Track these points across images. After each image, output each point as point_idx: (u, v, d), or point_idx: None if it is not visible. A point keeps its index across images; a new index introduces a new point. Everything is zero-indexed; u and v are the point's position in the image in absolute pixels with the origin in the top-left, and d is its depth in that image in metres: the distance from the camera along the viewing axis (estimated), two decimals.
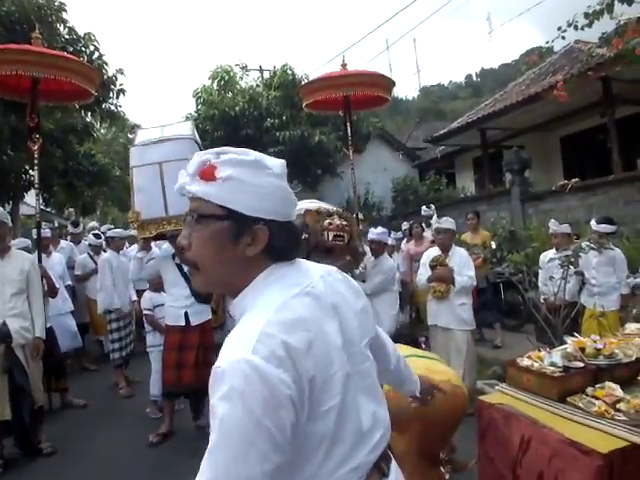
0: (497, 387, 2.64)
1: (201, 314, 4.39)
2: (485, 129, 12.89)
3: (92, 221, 13.22)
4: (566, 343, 2.87)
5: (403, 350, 2.86)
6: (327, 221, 4.89)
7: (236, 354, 0.93)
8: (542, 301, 4.70)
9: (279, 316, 0.98)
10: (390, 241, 6.99)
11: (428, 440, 2.53)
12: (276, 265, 1.09)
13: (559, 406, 2.27)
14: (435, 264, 4.53)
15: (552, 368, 2.45)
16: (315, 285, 1.10)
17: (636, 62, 5.05)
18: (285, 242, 1.09)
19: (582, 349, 2.64)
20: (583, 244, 3.76)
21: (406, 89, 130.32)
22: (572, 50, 11.69)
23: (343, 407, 1.03)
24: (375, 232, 5.41)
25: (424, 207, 8.06)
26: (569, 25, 4.85)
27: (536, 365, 2.52)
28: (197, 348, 4.24)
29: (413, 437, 2.46)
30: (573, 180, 8.21)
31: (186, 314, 4.28)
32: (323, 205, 5.20)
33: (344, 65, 5.92)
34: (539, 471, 2.06)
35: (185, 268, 4.21)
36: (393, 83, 6.09)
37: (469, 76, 70.22)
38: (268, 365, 0.90)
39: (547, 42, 5.79)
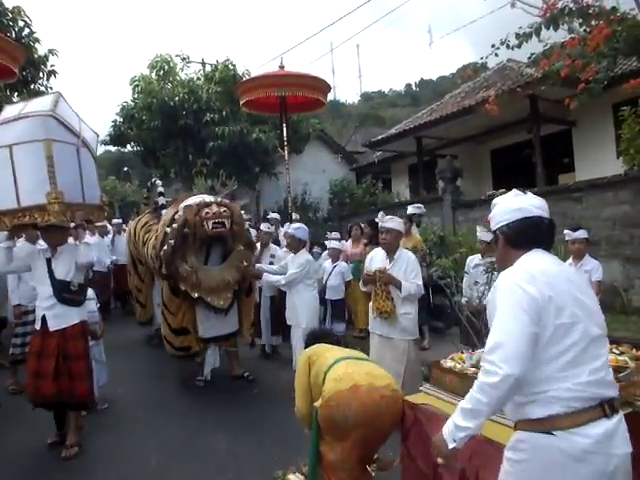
0: (421, 387, 2.74)
1: (63, 318, 3.86)
2: (421, 137, 13.35)
3: None
4: None
5: (339, 352, 2.89)
6: (205, 211, 4.96)
7: (507, 277, 1.76)
8: (465, 304, 4.87)
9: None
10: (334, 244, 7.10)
11: (368, 445, 2.59)
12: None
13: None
14: (372, 278, 4.23)
15: (473, 369, 2.57)
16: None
17: (559, 83, 5.43)
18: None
19: None
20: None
21: (347, 93, 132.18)
22: (504, 67, 12.34)
23: (572, 330, 1.66)
24: (292, 227, 5.48)
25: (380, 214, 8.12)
26: (502, 43, 5.12)
27: (458, 366, 2.64)
28: (56, 357, 3.75)
29: (355, 444, 2.50)
30: (500, 190, 8.61)
31: (44, 317, 3.86)
32: (207, 199, 5.19)
33: (282, 67, 5.96)
34: (460, 469, 2.15)
35: (53, 264, 3.86)
36: (329, 87, 6.15)
37: (409, 85, 72.29)
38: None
39: (482, 58, 6.06)
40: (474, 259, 5.31)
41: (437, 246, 6.56)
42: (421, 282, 4.21)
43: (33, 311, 5.15)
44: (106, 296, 8.84)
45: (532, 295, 1.65)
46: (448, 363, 2.69)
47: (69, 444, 3.84)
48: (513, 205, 1.87)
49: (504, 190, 8.13)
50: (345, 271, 6.78)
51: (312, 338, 3.30)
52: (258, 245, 6.25)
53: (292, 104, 6.18)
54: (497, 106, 6.03)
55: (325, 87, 6.02)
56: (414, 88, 69.62)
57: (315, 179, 16.03)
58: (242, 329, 5.54)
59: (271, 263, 6.02)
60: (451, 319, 6.87)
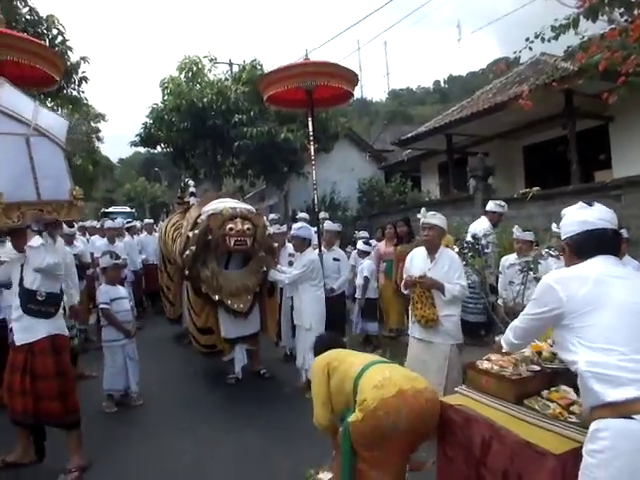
0: (456, 389, 2.69)
1: (29, 331, 3.45)
2: (451, 134, 13.13)
3: None
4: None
5: (363, 357, 2.81)
6: (229, 226, 4.94)
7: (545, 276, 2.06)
8: (501, 304, 4.77)
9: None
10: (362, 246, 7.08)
11: (412, 449, 2.55)
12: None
13: (516, 408, 2.33)
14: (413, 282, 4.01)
15: (510, 371, 2.51)
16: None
17: (597, 77, 5.25)
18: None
19: (539, 353, 2.72)
20: (543, 251, 3.87)
21: (375, 91, 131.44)
22: (538, 62, 12.04)
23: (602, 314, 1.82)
24: (295, 227, 5.44)
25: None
26: (536, 37, 4.98)
27: (495, 368, 2.58)
28: (22, 373, 3.41)
29: (402, 451, 2.46)
30: (534, 188, 8.45)
31: (11, 329, 3.62)
32: (229, 205, 5.19)
33: (306, 58, 5.74)
34: (503, 470, 2.10)
35: (24, 271, 3.47)
36: (357, 77, 5.87)
37: (437, 82, 71.48)
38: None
39: (515, 52, 5.91)
40: (509, 258, 5.21)
41: (470, 246, 6.41)
42: (465, 282, 3.96)
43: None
44: (137, 295, 9.02)
45: (556, 294, 1.92)
46: (484, 364, 2.63)
47: (68, 468, 3.52)
48: (577, 218, 2.03)
49: (538, 188, 7.97)
50: (366, 268, 6.69)
51: (321, 344, 3.17)
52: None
53: (319, 99, 5.97)
54: (531, 101, 5.88)
55: (353, 77, 5.77)
56: (443, 85, 68.83)
57: (343, 178, 15.99)
58: (267, 328, 5.59)
59: (290, 263, 5.99)
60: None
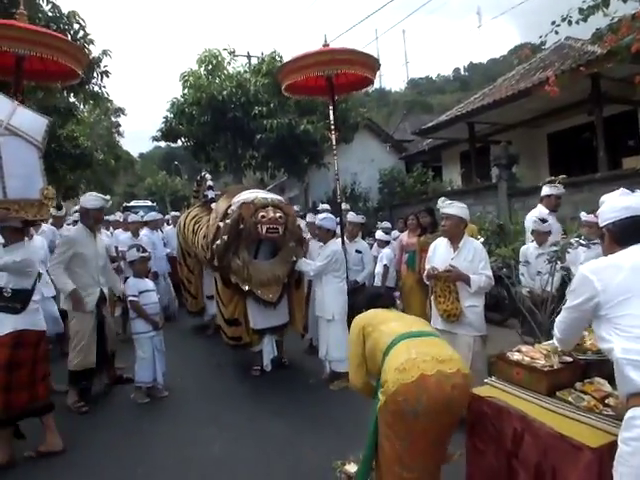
0: (486, 380, 2.64)
1: None
2: (473, 123, 12.93)
3: (76, 205, 12.95)
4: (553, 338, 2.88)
5: (397, 325, 2.60)
6: (261, 214, 4.94)
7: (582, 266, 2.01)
8: (527, 294, 4.68)
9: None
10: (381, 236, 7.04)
11: (441, 440, 2.44)
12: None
13: (549, 400, 2.28)
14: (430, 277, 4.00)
15: (542, 362, 2.46)
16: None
17: (628, 59, 5.08)
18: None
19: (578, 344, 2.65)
20: (572, 240, 3.78)
21: (394, 81, 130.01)
22: (562, 46, 11.74)
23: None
24: (318, 218, 5.39)
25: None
26: (563, 20, 4.84)
27: (526, 359, 2.53)
28: None
29: (420, 439, 2.35)
30: (560, 176, 8.20)
31: None
32: (261, 195, 5.21)
33: (326, 45, 5.61)
34: (536, 463, 2.06)
35: None
36: (377, 62, 5.71)
37: (457, 70, 70.47)
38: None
39: (540, 37, 5.75)
40: (529, 248, 5.11)
41: (495, 235, 6.32)
42: (491, 272, 3.87)
43: None
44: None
45: (591, 284, 1.89)
46: (515, 356, 2.58)
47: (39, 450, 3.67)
48: (620, 204, 1.99)
49: (564, 176, 7.78)
50: (385, 257, 6.62)
51: (366, 300, 3.02)
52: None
53: (339, 84, 5.85)
54: (557, 87, 5.73)
55: (373, 63, 5.61)
56: (463, 73, 67.80)
57: (364, 169, 15.91)
58: (295, 320, 5.58)
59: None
60: (508, 310, 6.66)
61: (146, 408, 4.68)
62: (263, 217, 4.87)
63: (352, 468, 3.26)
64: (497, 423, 2.31)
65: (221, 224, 5.07)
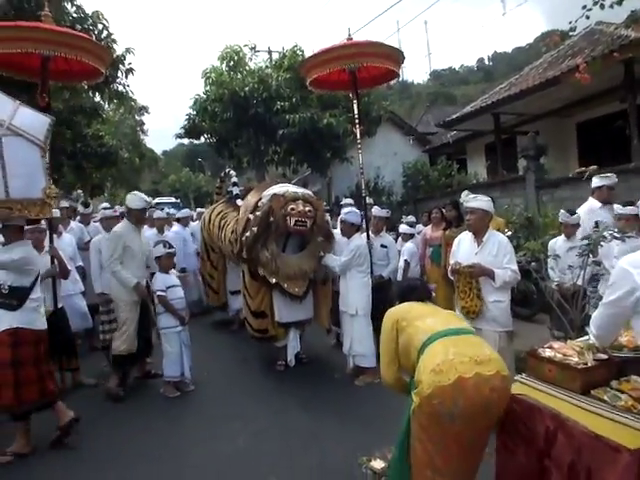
0: (516, 377, 2.57)
1: None
2: (499, 114, 12.65)
3: (102, 203, 13.20)
4: (587, 334, 2.79)
5: (434, 322, 2.48)
6: (291, 206, 4.95)
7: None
8: (555, 287, 4.54)
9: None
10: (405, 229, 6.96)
11: (478, 444, 2.37)
12: None
13: (583, 399, 2.20)
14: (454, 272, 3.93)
15: (575, 359, 2.37)
16: None
17: None
18: None
19: None
20: (606, 233, 3.64)
21: (416, 73, 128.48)
22: (593, 32, 11.35)
23: None
24: (343, 212, 5.34)
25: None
26: (595, 3, 4.67)
27: (558, 356, 2.45)
28: None
29: (455, 443, 2.29)
30: (591, 167, 8.00)
31: None
32: (292, 189, 5.21)
33: (350, 38, 5.54)
34: (570, 463, 1.99)
35: None
36: (402, 55, 5.61)
37: (481, 60, 69.30)
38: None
39: (570, 22, 5.57)
40: (557, 241, 4.97)
41: (524, 228, 6.15)
42: (516, 267, 3.78)
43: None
44: None
45: (631, 278, 1.86)
46: (547, 352, 2.50)
47: (5, 450, 3.68)
48: None
49: (596, 167, 7.55)
50: (406, 251, 6.56)
51: (399, 294, 2.89)
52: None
53: (362, 78, 5.78)
54: (589, 74, 5.55)
55: (398, 55, 5.53)
56: (487, 63, 66.59)
57: (387, 162, 15.75)
58: (320, 316, 5.57)
59: None
60: (537, 305, 6.51)
61: (172, 402, 4.73)
62: (292, 210, 4.93)
63: (378, 464, 3.23)
64: (528, 422, 2.24)
65: (251, 216, 5.13)
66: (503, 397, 2.24)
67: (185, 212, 9.31)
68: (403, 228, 7.01)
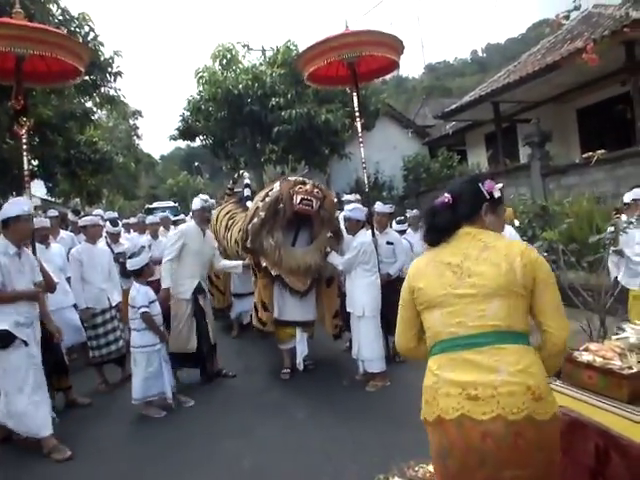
0: (551, 385, 2.29)
1: None
2: (498, 102, 12.42)
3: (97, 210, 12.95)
4: (622, 330, 2.51)
5: (440, 323, 1.76)
6: (299, 186, 4.81)
7: None
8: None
9: None
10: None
11: None
12: None
13: (632, 409, 1.93)
14: None
15: (618, 364, 2.10)
16: None
17: None
18: None
19: None
20: (633, 219, 3.37)
21: (411, 67, 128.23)
22: (591, 15, 11.14)
23: None
24: (347, 209, 5.11)
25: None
26: None
27: (598, 360, 2.18)
28: None
29: None
30: (598, 152, 7.75)
31: None
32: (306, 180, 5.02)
33: (347, 29, 5.26)
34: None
35: None
36: (402, 44, 5.29)
37: (475, 52, 69.06)
38: None
39: (574, 0, 5.33)
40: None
41: (539, 218, 5.85)
42: None
43: (102, 312, 5.17)
44: None
45: None
46: (584, 356, 2.23)
47: None
48: None
49: (603, 151, 7.28)
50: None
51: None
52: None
53: (361, 72, 5.51)
54: (597, 54, 5.29)
55: (398, 44, 5.24)
56: (481, 54, 66.35)
57: (386, 157, 15.48)
58: (324, 320, 5.32)
59: None
60: None
61: (171, 419, 4.42)
62: (300, 189, 4.86)
63: None
64: (571, 437, 1.96)
65: (261, 203, 5.03)
66: (509, 447, 1.56)
67: (181, 217, 9.15)
68: (395, 226, 6.68)
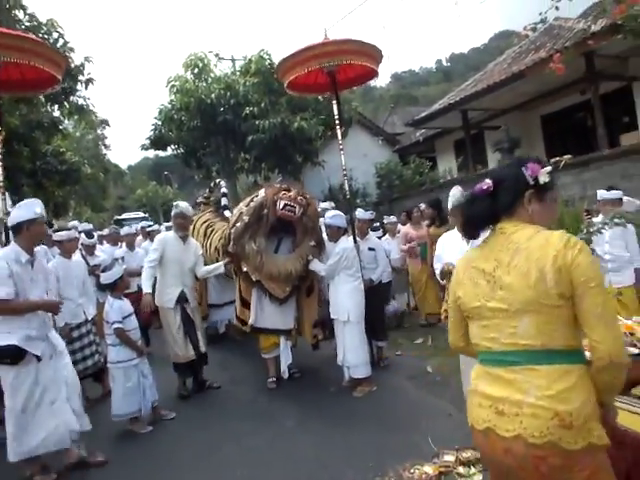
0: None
1: None
2: (467, 110, 12.75)
3: (68, 222, 12.62)
4: None
5: (478, 339, 1.74)
6: (283, 192, 4.84)
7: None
8: None
9: None
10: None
11: None
12: None
13: (623, 399, 2.03)
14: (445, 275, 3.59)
15: None
16: None
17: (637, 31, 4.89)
18: None
19: (631, 333, 2.41)
20: (608, 220, 3.52)
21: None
22: (552, 27, 11.57)
23: None
24: (328, 216, 5.17)
25: None
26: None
27: (587, 354, 2.26)
28: None
29: None
30: (566, 157, 8.02)
31: None
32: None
33: (326, 38, 5.35)
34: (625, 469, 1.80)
35: None
36: (381, 53, 5.42)
37: (439, 61, 70.72)
38: None
39: (540, 13, 5.58)
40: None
41: None
42: None
43: (77, 327, 4.99)
44: None
45: None
46: None
47: None
48: None
49: (570, 156, 7.57)
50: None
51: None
52: None
53: (340, 80, 5.59)
54: (563, 64, 5.55)
55: (377, 53, 5.36)
56: (445, 64, 67.97)
57: (358, 164, 15.60)
58: (303, 330, 5.29)
59: None
60: None
61: (157, 433, 4.34)
62: (284, 194, 4.88)
63: None
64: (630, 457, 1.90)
65: (245, 209, 5.02)
66: (531, 469, 1.53)
67: (155, 227, 9.15)
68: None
